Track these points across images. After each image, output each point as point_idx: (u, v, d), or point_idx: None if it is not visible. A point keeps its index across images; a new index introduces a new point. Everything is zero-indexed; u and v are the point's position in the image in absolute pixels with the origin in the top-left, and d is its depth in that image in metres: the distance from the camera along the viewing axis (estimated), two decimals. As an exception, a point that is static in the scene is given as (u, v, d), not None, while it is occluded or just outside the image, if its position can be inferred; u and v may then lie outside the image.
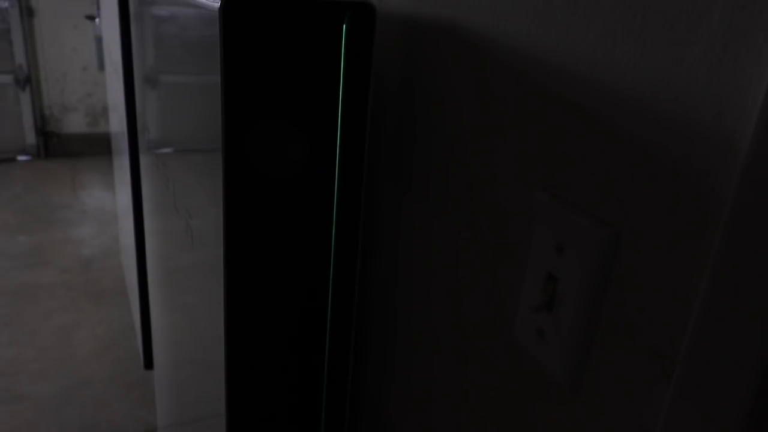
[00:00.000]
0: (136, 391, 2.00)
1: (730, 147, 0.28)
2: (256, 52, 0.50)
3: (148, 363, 1.88)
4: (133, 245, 1.80)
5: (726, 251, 0.27)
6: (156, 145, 1.09)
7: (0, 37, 3.87)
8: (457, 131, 0.52)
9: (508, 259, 0.46)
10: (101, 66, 4.02)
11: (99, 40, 3.65)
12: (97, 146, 4.22)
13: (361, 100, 0.55)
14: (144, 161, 1.33)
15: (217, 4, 0.49)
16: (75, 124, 4.26)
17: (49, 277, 2.67)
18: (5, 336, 2.25)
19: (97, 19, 3.41)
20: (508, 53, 0.44)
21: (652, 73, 0.32)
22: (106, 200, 3.53)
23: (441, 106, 0.54)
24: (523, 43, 0.42)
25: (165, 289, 1.15)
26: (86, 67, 4.15)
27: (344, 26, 0.52)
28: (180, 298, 0.99)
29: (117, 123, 2.18)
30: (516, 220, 0.44)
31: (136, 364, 2.12)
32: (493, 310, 0.48)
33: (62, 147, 4.24)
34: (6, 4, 3.81)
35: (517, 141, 0.44)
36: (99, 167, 4.01)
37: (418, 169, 0.59)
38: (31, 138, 4.11)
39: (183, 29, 0.73)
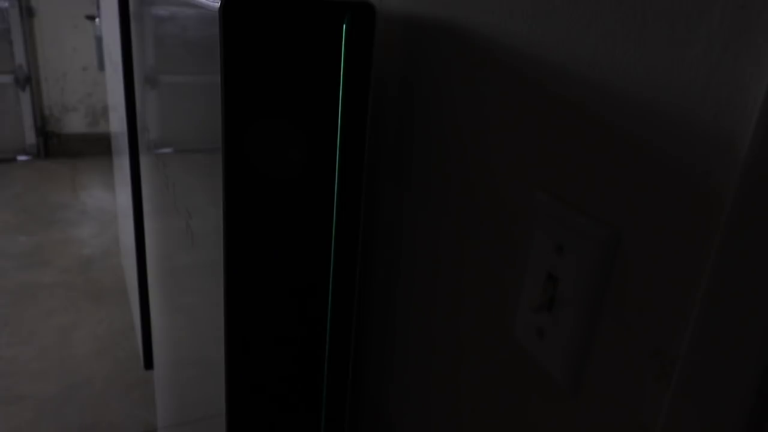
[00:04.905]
0: (136, 391, 2.00)
1: (730, 147, 0.28)
2: (256, 52, 0.50)
3: (148, 363, 1.87)
4: (133, 245, 1.80)
5: (726, 251, 0.27)
6: (156, 145, 1.09)
7: (0, 37, 3.87)
8: (457, 131, 0.52)
9: (508, 259, 0.46)
10: (101, 66, 4.01)
11: (99, 40, 3.65)
12: (97, 146, 4.22)
13: (361, 100, 0.55)
14: (144, 161, 1.33)
15: (217, 4, 0.49)
16: (75, 124, 4.26)
17: (49, 277, 2.67)
18: (5, 336, 2.25)
19: (97, 19, 3.40)
20: (508, 53, 0.44)
21: (652, 73, 0.32)
22: (106, 200, 3.53)
23: (441, 106, 0.54)
24: (523, 43, 0.42)
25: (165, 289, 1.15)
26: (86, 67, 4.15)
27: (344, 26, 0.52)
28: (180, 298, 0.99)
29: (117, 123, 2.18)
30: (516, 221, 0.44)
31: (136, 364, 2.12)
32: (493, 310, 0.48)
33: (62, 147, 4.24)
34: (6, 4, 3.81)
35: (517, 141, 0.44)
36: (99, 167, 4.01)
37: (417, 169, 0.59)
38: (31, 138, 4.11)
39: (183, 29, 0.73)
